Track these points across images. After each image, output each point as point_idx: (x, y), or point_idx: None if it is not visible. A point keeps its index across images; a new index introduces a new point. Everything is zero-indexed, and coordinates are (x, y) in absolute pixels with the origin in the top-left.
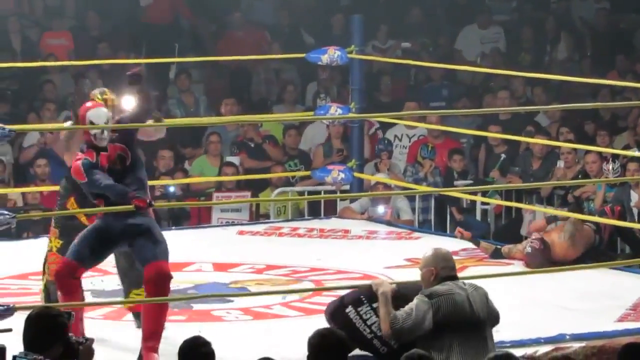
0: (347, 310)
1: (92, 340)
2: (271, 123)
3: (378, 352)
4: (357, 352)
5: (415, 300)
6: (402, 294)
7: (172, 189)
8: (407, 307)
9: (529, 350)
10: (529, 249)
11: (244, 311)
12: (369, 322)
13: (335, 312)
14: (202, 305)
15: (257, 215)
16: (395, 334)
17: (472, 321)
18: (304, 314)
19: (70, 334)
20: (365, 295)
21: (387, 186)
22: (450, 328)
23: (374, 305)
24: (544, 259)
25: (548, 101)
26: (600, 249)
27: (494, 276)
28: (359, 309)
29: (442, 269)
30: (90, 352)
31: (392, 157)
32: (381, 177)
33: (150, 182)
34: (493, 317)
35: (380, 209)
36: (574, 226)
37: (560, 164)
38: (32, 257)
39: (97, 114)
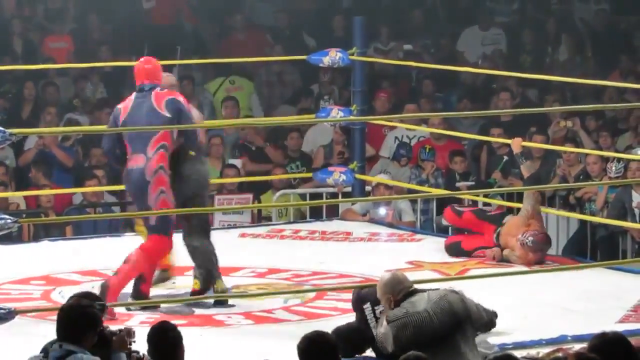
0: (365, 306)
1: (125, 331)
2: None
3: (382, 354)
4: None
5: (383, 325)
6: None
7: None
8: (382, 331)
9: (531, 352)
10: (528, 243)
11: (245, 315)
12: (371, 321)
13: (356, 303)
14: (204, 310)
15: (258, 218)
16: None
17: (436, 336)
18: (306, 318)
19: (104, 325)
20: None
21: (388, 187)
22: (415, 347)
23: (376, 307)
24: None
25: (549, 103)
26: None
27: (494, 276)
28: (376, 307)
29: (398, 292)
30: (124, 342)
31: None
32: (382, 178)
33: None
34: (476, 320)
35: (382, 210)
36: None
37: (561, 161)
38: (34, 261)
39: None
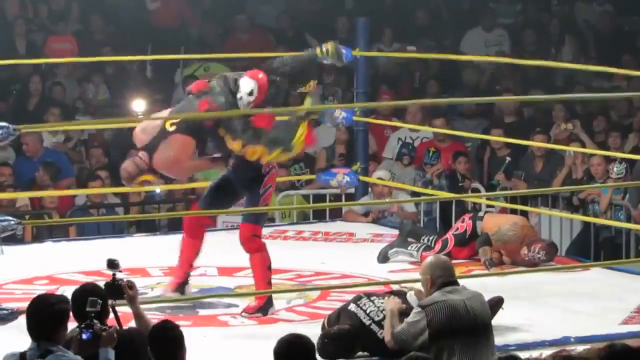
0: (349, 307)
1: (114, 328)
2: None
3: (376, 337)
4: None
5: (411, 313)
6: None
7: (157, 191)
8: (406, 320)
9: (533, 353)
10: (542, 257)
11: (249, 316)
12: (367, 311)
13: (342, 313)
14: (208, 311)
15: None
16: (396, 345)
17: (470, 327)
18: (309, 318)
19: (95, 322)
20: (363, 293)
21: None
22: (446, 335)
23: (372, 298)
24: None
25: (550, 104)
26: None
27: (497, 275)
28: (359, 302)
29: (439, 277)
30: (112, 339)
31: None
32: (382, 174)
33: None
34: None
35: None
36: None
37: (571, 152)
38: (37, 262)
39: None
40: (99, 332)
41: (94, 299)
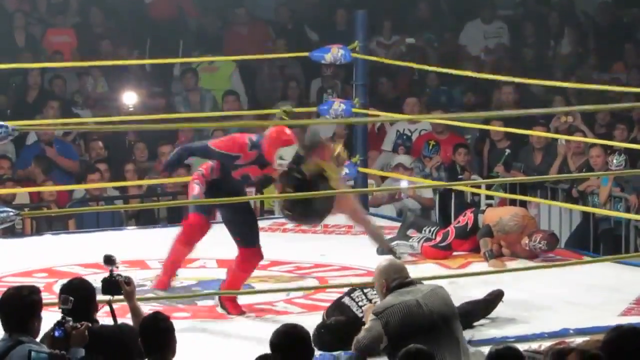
0: (344, 299)
1: (86, 326)
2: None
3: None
4: None
5: (368, 321)
6: None
7: None
8: (364, 327)
9: (533, 345)
10: (543, 246)
11: (247, 308)
12: (360, 304)
13: (337, 306)
14: (207, 302)
15: (261, 211)
16: (359, 353)
17: (427, 323)
18: (307, 310)
19: (68, 319)
20: (357, 286)
21: (407, 168)
22: (405, 336)
23: (365, 290)
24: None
25: (549, 96)
26: None
27: (496, 272)
28: (352, 294)
29: (393, 280)
30: (82, 338)
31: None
32: (404, 184)
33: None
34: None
35: (404, 182)
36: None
37: (562, 141)
38: (36, 255)
39: (287, 152)
40: (69, 331)
41: (66, 296)
